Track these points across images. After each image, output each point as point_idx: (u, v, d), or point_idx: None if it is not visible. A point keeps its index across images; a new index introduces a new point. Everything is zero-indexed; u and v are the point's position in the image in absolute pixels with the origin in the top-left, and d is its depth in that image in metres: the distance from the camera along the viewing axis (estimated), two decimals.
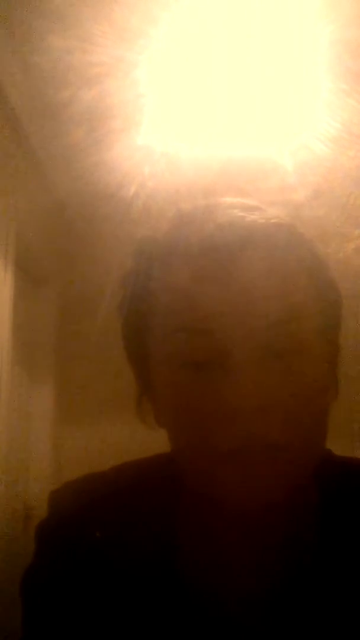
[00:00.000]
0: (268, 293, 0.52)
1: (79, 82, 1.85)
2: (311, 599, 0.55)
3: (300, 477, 0.54)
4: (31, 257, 2.49)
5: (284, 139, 2.01)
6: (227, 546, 0.57)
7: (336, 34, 1.75)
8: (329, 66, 1.86)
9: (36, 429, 2.68)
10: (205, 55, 1.83)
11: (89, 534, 0.59)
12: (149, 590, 0.57)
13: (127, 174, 1.99)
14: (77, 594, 0.58)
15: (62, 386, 2.81)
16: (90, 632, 0.57)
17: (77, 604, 0.58)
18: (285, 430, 0.50)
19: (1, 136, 2.08)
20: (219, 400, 0.50)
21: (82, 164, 2.16)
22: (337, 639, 0.54)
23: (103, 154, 2.07)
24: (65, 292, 2.82)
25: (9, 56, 1.93)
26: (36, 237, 2.50)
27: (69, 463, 2.68)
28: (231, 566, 0.57)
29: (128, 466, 0.65)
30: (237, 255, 0.53)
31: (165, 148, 2.02)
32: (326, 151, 1.93)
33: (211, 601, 0.56)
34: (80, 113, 1.98)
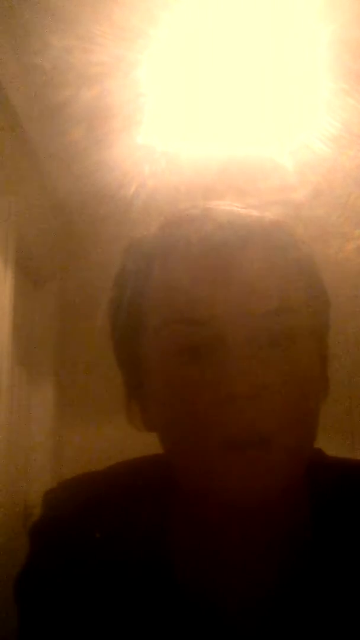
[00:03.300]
0: (264, 290, 0.52)
1: (79, 82, 1.85)
2: (306, 598, 0.55)
3: (293, 472, 0.54)
4: (31, 257, 2.49)
5: (284, 138, 2.01)
6: (221, 546, 0.57)
7: (336, 34, 1.75)
8: (329, 66, 1.86)
9: (36, 429, 2.68)
10: (206, 55, 1.82)
11: (83, 533, 0.59)
12: (144, 590, 0.57)
13: (127, 173, 1.99)
14: (72, 594, 0.58)
15: (62, 386, 2.81)
16: (86, 633, 0.57)
17: (72, 605, 0.58)
18: (279, 418, 0.51)
19: (1, 136, 2.08)
20: (214, 388, 0.51)
21: (82, 164, 2.16)
22: (334, 638, 0.54)
23: (103, 154, 2.07)
24: (65, 292, 2.82)
25: (9, 56, 1.93)
26: (36, 237, 2.50)
27: (69, 463, 2.68)
28: (226, 566, 0.57)
29: (122, 465, 0.65)
30: (236, 255, 0.53)
31: (165, 147, 2.02)
32: (326, 151, 1.93)
33: (206, 601, 0.56)
34: (80, 112, 1.98)
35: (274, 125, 2.02)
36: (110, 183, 2.02)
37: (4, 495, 2.07)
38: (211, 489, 0.53)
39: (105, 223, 2.19)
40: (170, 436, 0.55)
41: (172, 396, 0.54)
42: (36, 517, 0.64)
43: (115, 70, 1.83)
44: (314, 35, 1.78)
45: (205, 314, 0.52)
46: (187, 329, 0.53)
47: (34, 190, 2.49)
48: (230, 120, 2.01)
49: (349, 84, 1.86)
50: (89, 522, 0.60)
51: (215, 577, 0.57)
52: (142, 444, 0.68)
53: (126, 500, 0.60)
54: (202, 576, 0.57)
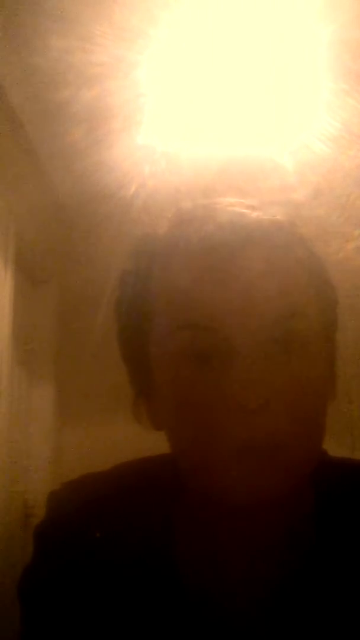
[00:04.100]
0: (269, 291, 0.52)
1: (79, 82, 1.85)
2: (309, 599, 0.55)
3: (301, 473, 0.54)
4: (31, 257, 2.49)
5: (284, 138, 2.01)
6: (225, 547, 0.57)
7: (336, 34, 1.75)
8: (329, 66, 1.85)
9: (36, 429, 2.68)
10: (205, 55, 1.82)
11: (87, 534, 0.59)
12: (148, 592, 0.57)
13: (127, 173, 1.99)
14: (76, 595, 0.58)
15: (62, 386, 2.81)
16: (89, 633, 0.57)
17: (76, 605, 0.58)
18: (289, 423, 0.51)
19: (1, 136, 2.08)
20: (224, 396, 0.50)
21: (82, 164, 2.15)
22: (337, 638, 0.54)
23: (103, 154, 2.07)
24: (65, 292, 2.82)
25: (9, 56, 1.93)
26: (36, 237, 2.50)
27: (69, 463, 2.68)
28: (229, 567, 0.57)
29: (126, 466, 0.65)
30: (238, 255, 0.53)
31: (165, 147, 2.02)
32: (326, 151, 1.92)
33: (210, 602, 0.56)
34: (80, 113, 1.98)
35: (274, 125, 2.02)
36: (110, 183, 2.02)
37: (4, 495, 2.07)
38: (218, 490, 0.53)
39: (105, 223, 2.19)
40: (178, 437, 0.55)
41: (181, 400, 0.54)
42: (36, 517, 0.64)
43: (115, 71, 1.83)
44: (314, 35, 1.77)
45: (212, 318, 0.52)
46: (195, 335, 0.52)
47: (34, 190, 2.48)
48: (230, 120, 2.01)
49: (349, 84, 1.85)
50: (93, 523, 0.60)
51: (220, 578, 0.57)
52: (143, 444, 0.68)
53: (131, 502, 0.60)
54: (206, 577, 0.57)
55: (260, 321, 0.51)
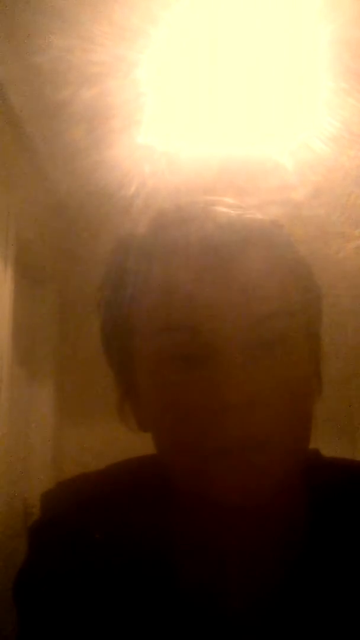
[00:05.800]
0: (251, 291, 0.52)
1: (79, 81, 1.85)
2: (305, 597, 0.55)
3: (289, 472, 0.54)
4: (31, 257, 2.49)
5: (284, 138, 2.01)
6: (220, 545, 0.57)
7: (336, 33, 1.75)
8: (329, 65, 1.86)
9: (36, 429, 2.68)
10: (206, 54, 1.82)
11: (81, 534, 0.59)
12: (143, 590, 0.57)
13: (127, 173, 1.99)
14: (71, 594, 0.58)
15: (62, 386, 2.81)
16: (85, 634, 0.57)
17: (71, 605, 0.58)
18: (273, 423, 0.51)
19: (1, 136, 2.08)
20: (209, 396, 0.50)
21: (82, 164, 2.16)
22: (333, 637, 0.54)
23: (103, 153, 2.07)
24: (65, 292, 2.82)
25: (9, 56, 1.93)
26: (36, 237, 2.50)
27: (69, 463, 2.68)
28: (225, 565, 0.57)
29: (120, 466, 0.65)
30: (220, 257, 0.53)
31: (165, 147, 2.02)
32: (326, 150, 1.92)
33: (206, 600, 0.56)
34: (80, 112, 1.98)
35: (273, 125, 2.02)
36: (110, 183, 2.02)
37: (4, 495, 2.07)
38: (204, 491, 0.53)
39: (105, 223, 2.19)
40: (163, 439, 0.55)
41: (166, 402, 0.53)
42: (36, 517, 0.64)
43: (116, 70, 1.83)
44: (314, 35, 1.78)
45: (194, 320, 0.52)
46: (178, 336, 0.52)
47: (34, 190, 2.48)
48: (230, 120, 2.01)
49: (349, 84, 1.85)
50: (87, 523, 0.60)
51: (215, 577, 0.57)
52: (142, 444, 0.68)
53: (124, 501, 0.60)
54: (201, 576, 0.57)
55: (242, 321, 0.51)
